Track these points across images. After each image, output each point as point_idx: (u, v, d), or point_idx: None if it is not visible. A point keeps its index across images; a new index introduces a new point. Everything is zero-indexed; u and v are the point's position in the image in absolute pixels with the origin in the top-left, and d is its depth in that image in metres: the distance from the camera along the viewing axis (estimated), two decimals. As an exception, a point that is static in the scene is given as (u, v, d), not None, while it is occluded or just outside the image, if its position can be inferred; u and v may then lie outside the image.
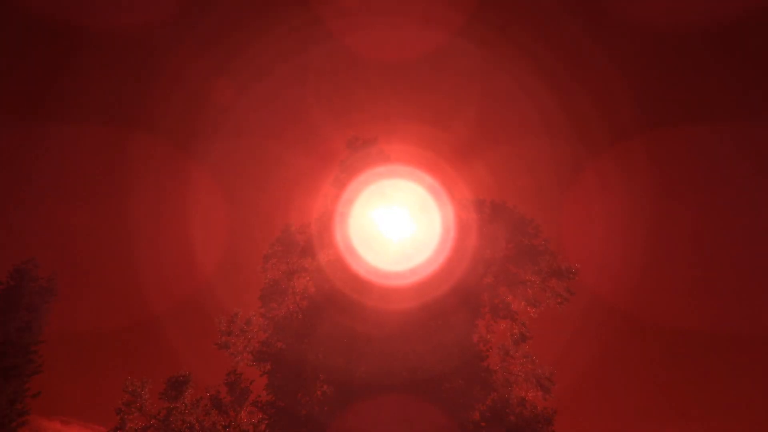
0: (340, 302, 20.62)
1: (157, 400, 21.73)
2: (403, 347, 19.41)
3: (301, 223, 24.12)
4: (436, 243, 22.08)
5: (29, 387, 29.77)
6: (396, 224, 24.31)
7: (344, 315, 20.47)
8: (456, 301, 19.87)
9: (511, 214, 21.56)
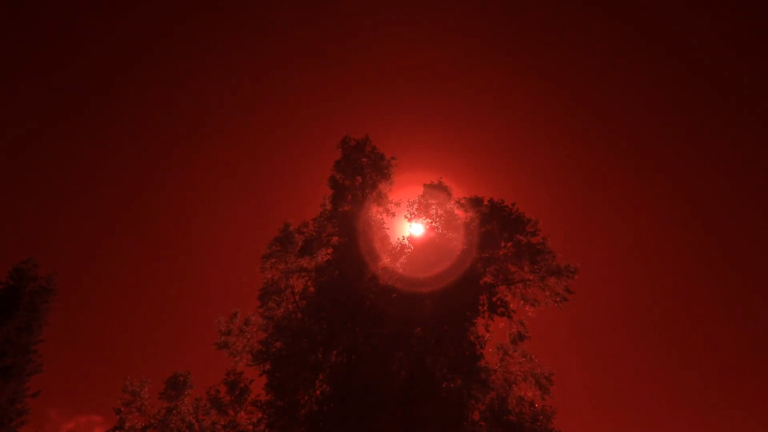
0: (338, 301, 20.60)
1: (157, 400, 21.76)
2: (403, 346, 19.40)
3: (300, 223, 24.11)
4: (436, 243, 22.04)
5: (29, 386, 29.80)
6: (395, 223, 24.29)
7: (343, 314, 20.45)
8: (454, 300, 19.84)
9: (509, 212, 21.50)
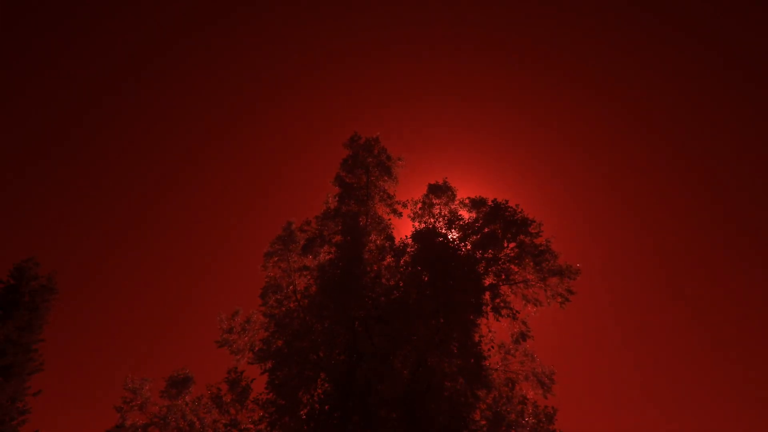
0: (340, 300, 20.56)
1: (158, 398, 21.72)
2: (405, 345, 19.38)
3: (302, 221, 24.12)
4: (439, 242, 22.03)
5: (30, 385, 29.75)
6: (399, 223, 24.29)
7: (345, 312, 20.42)
8: (458, 299, 19.83)
9: (513, 213, 21.53)
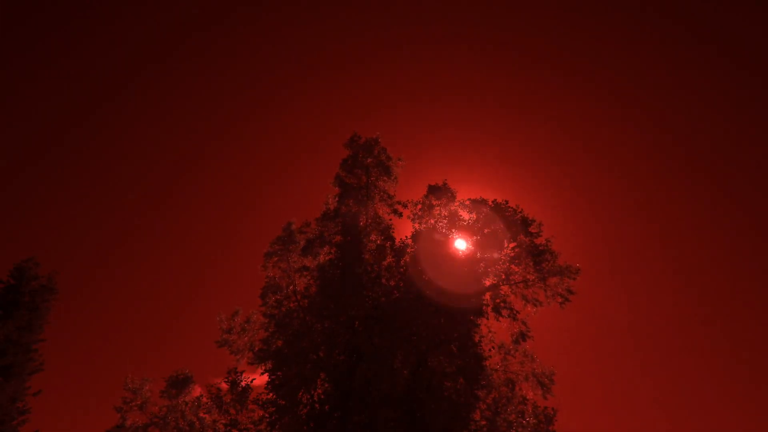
0: (340, 300, 20.57)
1: (158, 398, 21.73)
2: (405, 345, 19.37)
3: (302, 223, 24.10)
4: (440, 243, 22.03)
5: (30, 385, 29.76)
6: (399, 223, 24.25)
7: (345, 312, 20.42)
8: (458, 300, 19.84)
9: (513, 213, 21.53)
